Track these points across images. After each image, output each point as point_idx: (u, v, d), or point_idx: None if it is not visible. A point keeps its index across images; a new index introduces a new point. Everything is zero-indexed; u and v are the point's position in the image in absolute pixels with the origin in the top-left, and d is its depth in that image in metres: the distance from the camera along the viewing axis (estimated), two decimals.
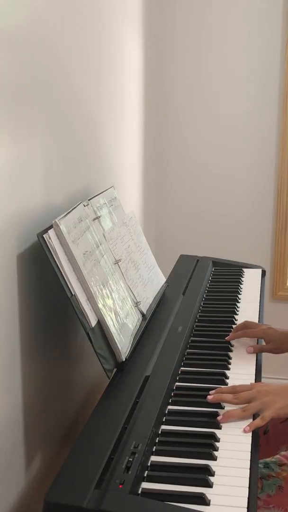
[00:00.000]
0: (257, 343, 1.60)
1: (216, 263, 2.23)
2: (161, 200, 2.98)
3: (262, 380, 1.44)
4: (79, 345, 1.65)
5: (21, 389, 1.31)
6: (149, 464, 1.08)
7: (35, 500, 1.39)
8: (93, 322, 1.33)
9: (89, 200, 1.60)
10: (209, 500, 0.98)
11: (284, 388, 1.28)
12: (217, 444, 1.14)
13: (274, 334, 1.58)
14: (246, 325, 1.62)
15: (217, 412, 1.23)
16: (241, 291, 1.98)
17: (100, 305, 1.35)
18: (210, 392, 1.29)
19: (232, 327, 1.65)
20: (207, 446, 1.13)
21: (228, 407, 1.26)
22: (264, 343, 1.61)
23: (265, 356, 1.59)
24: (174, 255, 2.26)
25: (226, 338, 1.59)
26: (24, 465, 1.36)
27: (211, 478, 1.04)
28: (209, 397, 1.28)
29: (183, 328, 1.60)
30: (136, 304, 1.58)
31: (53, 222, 1.31)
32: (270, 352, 1.59)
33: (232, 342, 1.59)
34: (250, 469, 1.07)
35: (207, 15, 2.80)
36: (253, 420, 1.22)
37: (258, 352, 1.55)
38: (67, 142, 1.60)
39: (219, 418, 1.21)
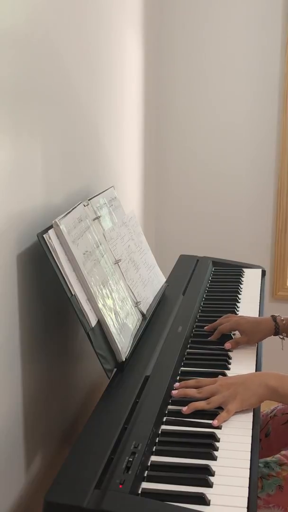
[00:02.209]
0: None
1: (216, 263, 2.23)
2: (161, 200, 2.98)
3: None
4: (79, 345, 1.65)
5: (21, 389, 1.31)
6: (149, 464, 1.08)
7: (35, 500, 1.39)
8: (93, 322, 1.33)
9: (89, 200, 1.60)
10: (209, 500, 0.98)
11: (246, 378, 1.29)
12: (217, 444, 1.14)
13: (245, 325, 1.60)
14: (221, 321, 1.64)
15: (217, 412, 1.23)
16: (241, 291, 1.98)
17: (100, 305, 1.35)
18: (175, 385, 1.32)
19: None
20: (207, 446, 1.13)
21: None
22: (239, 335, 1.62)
23: (265, 356, 1.59)
24: (174, 255, 2.26)
25: (208, 338, 1.61)
26: (24, 465, 1.36)
27: (211, 478, 1.03)
28: (173, 392, 1.30)
29: (183, 328, 1.60)
30: (136, 304, 1.58)
31: (53, 222, 1.31)
32: (246, 344, 1.59)
33: None
34: (250, 469, 1.07)
35: (207, 15, 2.80)
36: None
37: (234, 347, 1.56)
38: (67, 142, 1.60)
39: (183, 409, 1.24)
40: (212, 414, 1.23)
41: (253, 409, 1.27)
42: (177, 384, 1.33)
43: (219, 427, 1.19)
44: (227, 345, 1.55)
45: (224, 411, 1.23)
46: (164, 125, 2.92)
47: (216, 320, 1.70)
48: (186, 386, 1.32)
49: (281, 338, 1.62)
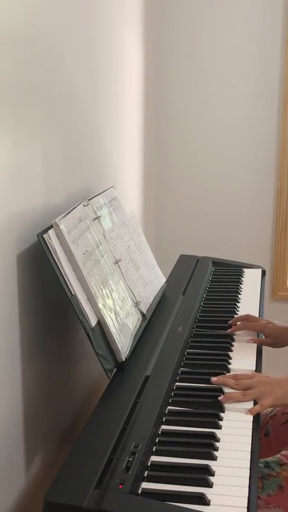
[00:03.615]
0: (257, 337, 1.63)
1: (216, 263, 2.23)
2: (161, 200, 2.98)
3: None
4: (79, 345, 1.65)
5: (21, 389, 1.31)
6: (149, 464, 1.08)
7: (35, 500, 1.39)
8: (93, 322, 1.33)
9: (89, 200, 1.60)
10: (209, 500, 0.98)
11: (282, 380, 1.33)
12: (217, 444, 1.14)
13: (274, 329, 1.63)
14: (248, 318, 1.67)
15: (217, 412, 1.23)
16: (241, 291, 1.98)
17: (100, 305, 1.35)
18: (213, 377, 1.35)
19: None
20: (207, 446, 1.13)
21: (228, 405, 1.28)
22: (264, 337, 1.64)
23: (265, 356, 1.59)
24: (174, 255, 2.26)
25: (228, 330, 1.63)
26: (24, 465, 1.36)
27: (211, 478, 1.03)
28: (213, 378, 1.34)
29: (183, 328, 1.60)
30: (136, 304, 1.58)
31: (53, 222, 1.31)
32: (269, 346, 1.63)
33: (232, 342, 1.59)
34: (250, 469, 1.07)
35: (207, 15, 2.80)
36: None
37: (258, 344, 1.59)
38: (67, 142, 1.60)
39: (220, 398, 1.28)
40: (211, 414, 1.23)
41: None
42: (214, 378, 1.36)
43: (219, 427, 1.19)
44: (250, 341, 1.59)
45: (258, 404, 1.27)
46: (164, 125, 2.92)
47: (217, 319, 1.71)
48: (224, 376, 1.35)
49: None
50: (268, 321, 1.66)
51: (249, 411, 1.24)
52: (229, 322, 1.67)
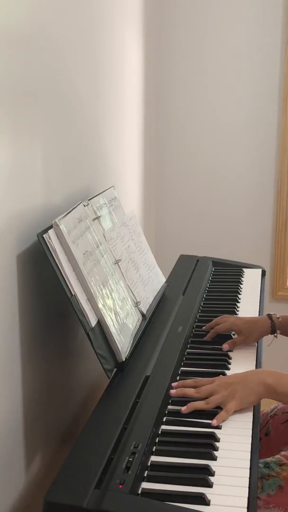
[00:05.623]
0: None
1: (216, 263, 2.23)
2: (161, 200, 2.98)
3: None
4: (79, 345, 1.65)
5: (21, 389, 1.31)
6: (149, 464, 1.08)
7: (35, 500, 1.39)
8: (93, 322, 1.33)
9: (89, 200, 1.60)
10: (209, 500, 0.98)
11: (244, 377, 1.28)
12: (217, 444, 1.14)
13: (242, 325, 1.59)
14: (217, 321, 1.63)
15: (217, 412, 1.23)
16: (241, 291, 1.98)
17: (100, 305, 1.35)
18: (173, 385, 1.31)
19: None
20: (207, 446, 1.13)
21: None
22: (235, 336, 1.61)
23: (265, 356, 1.59)
24: (174, 255, 2.26)
25: (204, 338, 1.61)
26: (24, 465, 1.36)
27: (211, 478, 1.03)
28: (171, 391, 1.29)
29: (183, 328, 1.60)
30: (136, 304, 1.58)
31: (53, 222, 1.31)
32: (243, 343, 1.58)
33: None
34: (250, 469, 1.07)
35: (207, 15, 2.80)
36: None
37: (232, 347, 1.56)
38: (67, 142, 1.60)
39: (182, 409, 1.23)
40: (212, 414, 1.23)
41: (253, 408, 1.26)
42: (175, 384, 1.32)
43: (219, 427, 1.19)
44: (225, 346, 1.55)
45: (223, 410, 1.22)
46: (164, 125, 2.92)
47: None
48: (184, 385, 1.31)
49: (275, 336, 1.62)
50: (236, 318, 1.64)
51: (215, 419, 1.19)
52: (203, 328, 1.64)
